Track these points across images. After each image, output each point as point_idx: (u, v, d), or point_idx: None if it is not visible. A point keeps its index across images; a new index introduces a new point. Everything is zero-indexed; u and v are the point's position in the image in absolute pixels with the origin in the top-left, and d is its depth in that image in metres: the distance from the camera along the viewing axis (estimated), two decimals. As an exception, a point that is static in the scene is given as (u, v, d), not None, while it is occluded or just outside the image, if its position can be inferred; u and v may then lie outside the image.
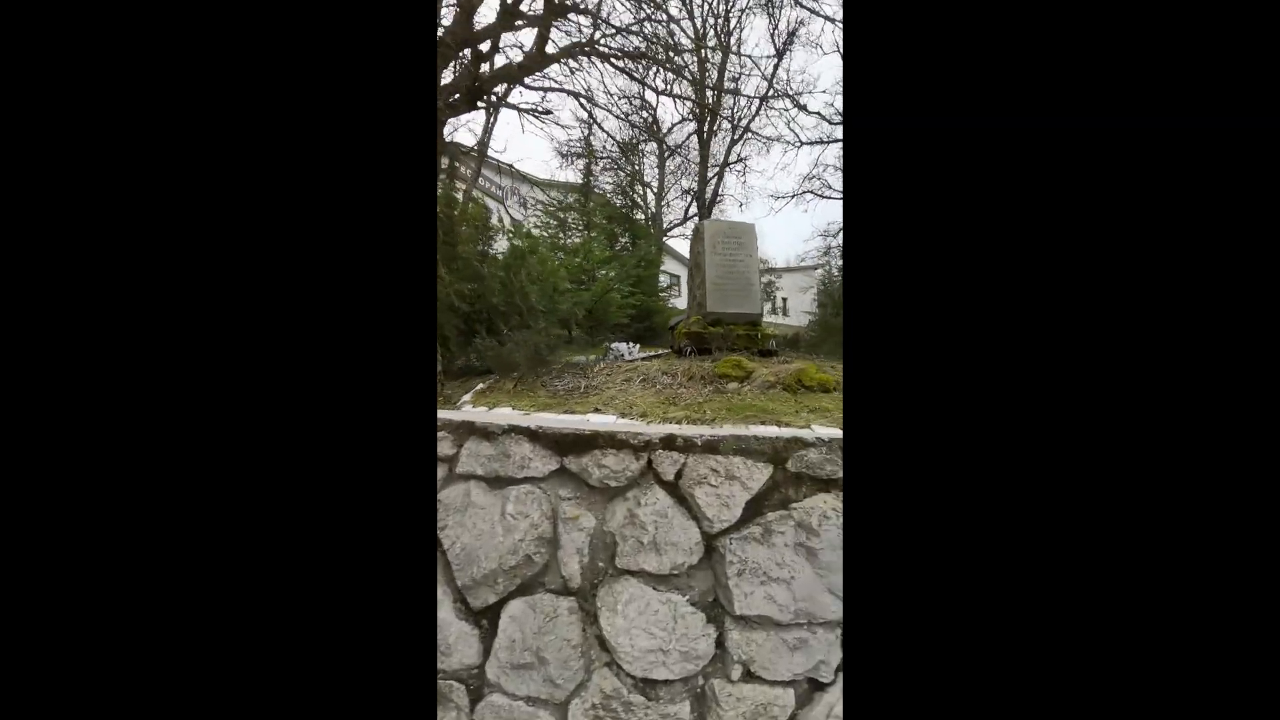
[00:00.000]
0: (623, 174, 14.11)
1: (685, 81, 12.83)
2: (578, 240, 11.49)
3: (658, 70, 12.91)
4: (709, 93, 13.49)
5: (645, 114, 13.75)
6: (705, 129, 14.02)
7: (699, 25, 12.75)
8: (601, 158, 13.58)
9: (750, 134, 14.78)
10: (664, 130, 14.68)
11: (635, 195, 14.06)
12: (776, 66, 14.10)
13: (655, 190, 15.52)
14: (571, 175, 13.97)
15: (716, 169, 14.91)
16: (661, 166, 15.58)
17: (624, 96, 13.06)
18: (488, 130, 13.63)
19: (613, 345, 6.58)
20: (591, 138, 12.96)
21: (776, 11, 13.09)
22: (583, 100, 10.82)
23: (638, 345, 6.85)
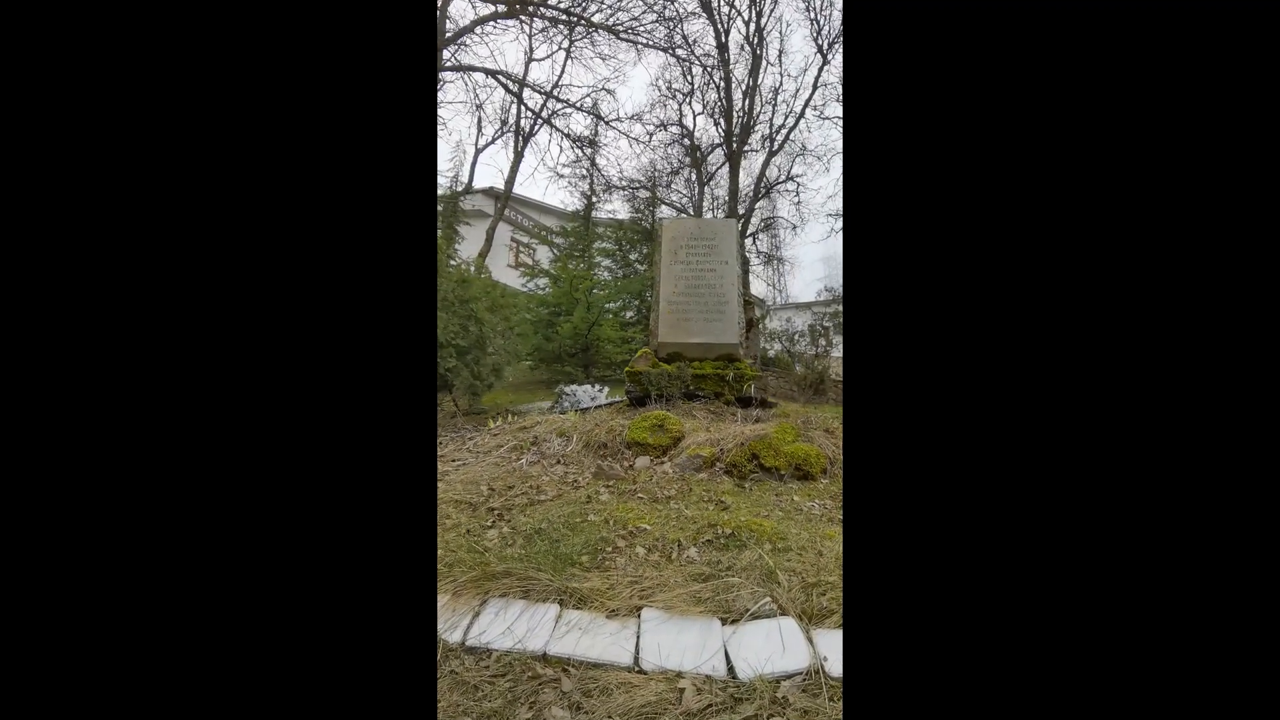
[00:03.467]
0: (640, 194, 12.74)
1: (712, 86, 11.49)
2: (585, 267, 10.24)
3: (691, 92, 11.71)
4: (738, 100, 12.03)
5: (673, 129, 12.44)
6: (734, 145, 12.44)
7: (721, 24, 11.45)
8: (609, 186, 12.31)
9: (797, 147, 13.00)
10: (701, 151, 13.27)
11: (653, 217, 12.59)
12: (821, 70, 12.47)
13: (692, 214, 13.98)
14: (578, 202, 12.88)
15: (751, 186, 13.19)
16: (701, 186, 14.03)
17: (661, 125, 11.91)
18: (514, 169, 13.01)
19: (565, 389, 5.08)
20: (595, 157, 11.80)
21: (819, 14, 11.57)
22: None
23: (604, 389, 5.30)
